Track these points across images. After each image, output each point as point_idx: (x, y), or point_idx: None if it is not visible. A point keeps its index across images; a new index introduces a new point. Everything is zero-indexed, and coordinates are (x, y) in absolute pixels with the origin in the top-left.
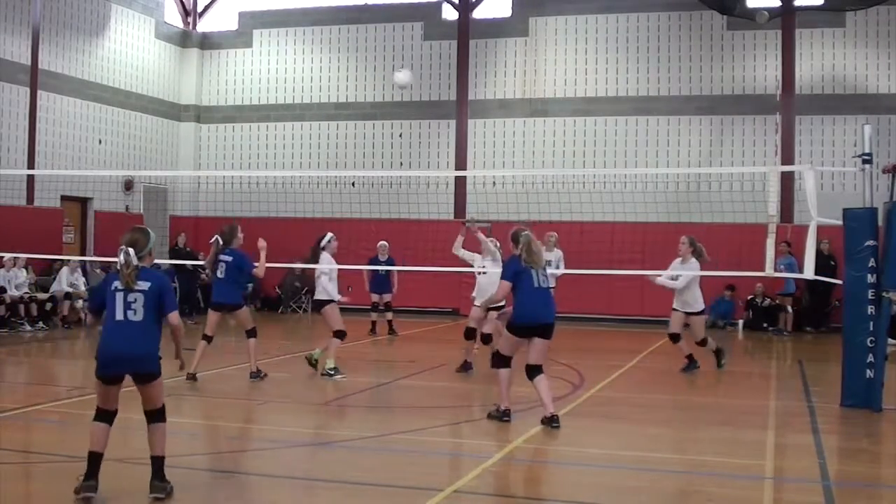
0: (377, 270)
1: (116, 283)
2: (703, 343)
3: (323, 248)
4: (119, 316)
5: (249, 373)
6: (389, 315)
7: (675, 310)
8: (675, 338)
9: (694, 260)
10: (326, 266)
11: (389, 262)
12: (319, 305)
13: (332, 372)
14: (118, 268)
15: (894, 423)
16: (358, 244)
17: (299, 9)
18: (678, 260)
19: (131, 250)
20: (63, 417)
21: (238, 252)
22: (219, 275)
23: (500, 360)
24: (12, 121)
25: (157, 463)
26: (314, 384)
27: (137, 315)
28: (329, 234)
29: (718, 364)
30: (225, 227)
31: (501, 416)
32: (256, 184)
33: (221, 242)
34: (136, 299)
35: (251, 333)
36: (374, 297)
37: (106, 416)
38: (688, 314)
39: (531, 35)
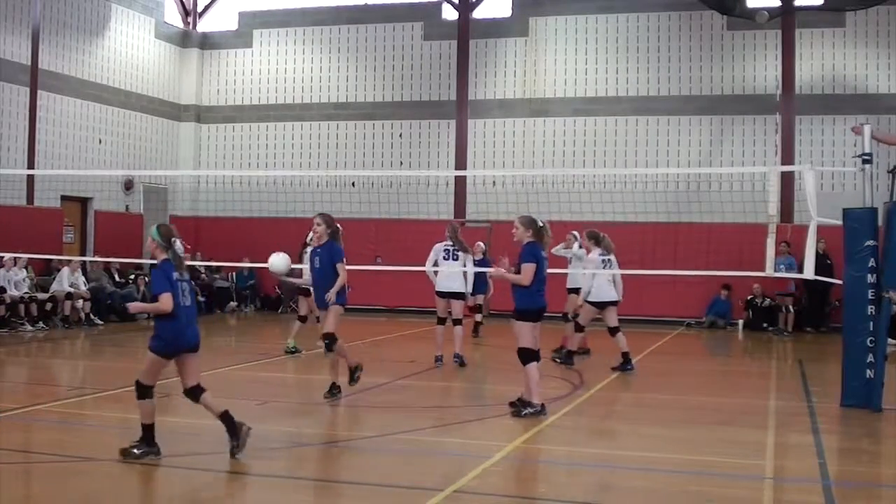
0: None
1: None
2: (616, 330)
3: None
4: None
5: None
6: (479, 316)
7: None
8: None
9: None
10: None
11: (485, 263)
12: None
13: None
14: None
15: (894, 423)
16: (357, 244)
17: (299, 9)
18: (597, 251)
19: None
20: (63, 417)
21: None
22: (316, 265)
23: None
24: (12, 121)
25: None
26: (314, 384)
27: None
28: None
29: (622, 367)
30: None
31: (539, 412)
32: (256, 184)
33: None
34: None
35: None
36: (470, 299)
37: None
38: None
39: (531, 35)
